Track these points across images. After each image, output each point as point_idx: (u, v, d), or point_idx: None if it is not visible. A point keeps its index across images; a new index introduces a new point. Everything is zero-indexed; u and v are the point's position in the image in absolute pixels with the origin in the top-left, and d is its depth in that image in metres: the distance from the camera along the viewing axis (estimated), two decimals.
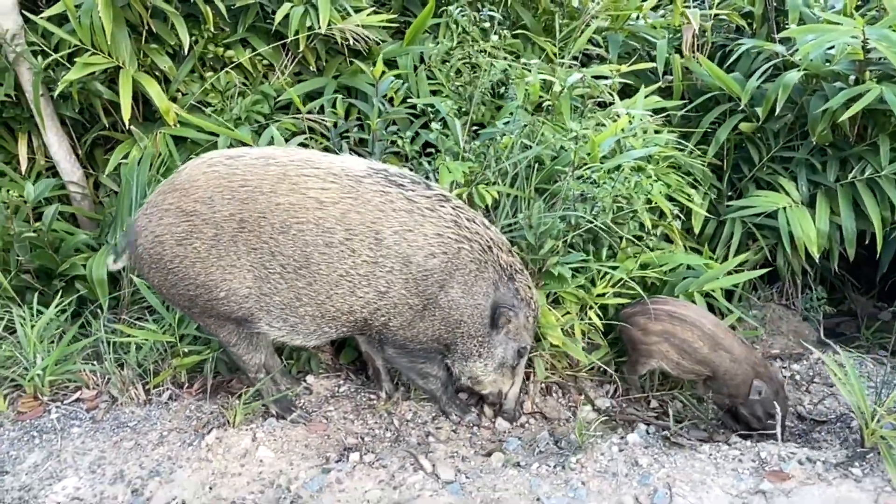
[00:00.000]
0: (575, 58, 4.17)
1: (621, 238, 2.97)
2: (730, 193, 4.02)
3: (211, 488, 2.37)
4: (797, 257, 3.81)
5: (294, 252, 2.35)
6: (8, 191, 3.59)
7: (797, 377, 3.56)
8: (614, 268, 2.92)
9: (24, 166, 3.98)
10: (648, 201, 3.33)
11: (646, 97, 3.80)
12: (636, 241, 3.08)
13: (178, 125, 3.68)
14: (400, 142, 2.94)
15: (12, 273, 3.40)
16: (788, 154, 3.89)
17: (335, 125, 3.51)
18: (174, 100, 3.84)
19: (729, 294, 3.88)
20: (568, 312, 2.90)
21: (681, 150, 3.83)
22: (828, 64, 3.72)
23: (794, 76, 3.61)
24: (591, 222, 2.73)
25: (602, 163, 3.19)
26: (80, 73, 3.43)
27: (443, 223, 2.42)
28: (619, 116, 3.37)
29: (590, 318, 2.92)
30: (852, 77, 3.60)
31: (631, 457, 2.39)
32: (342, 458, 2.50)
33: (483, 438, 2.72)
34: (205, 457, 2.48)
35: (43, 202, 3.68)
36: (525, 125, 2.94)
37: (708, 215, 3.91)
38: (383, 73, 3.28)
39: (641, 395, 3.12)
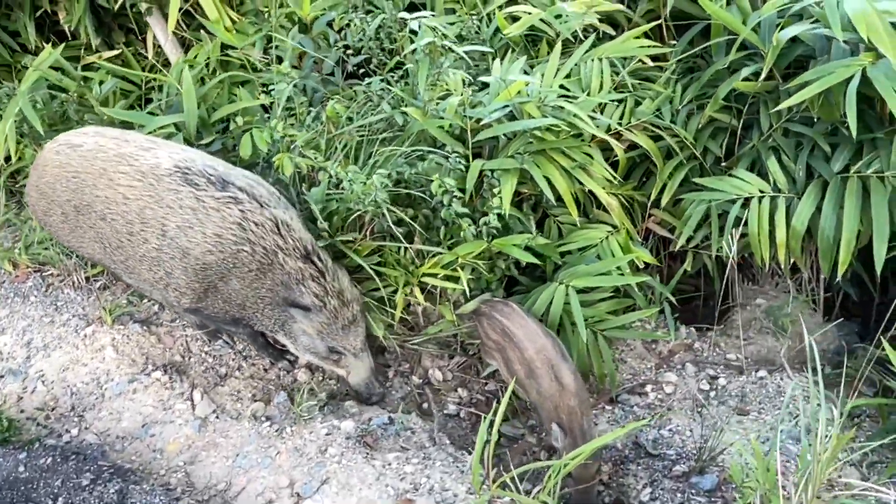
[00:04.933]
0: None
1: (450, 223, 2.82)
2: (724, 164, 3.35)
3: (64, 370, 3.09)
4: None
5: (112, 234, 2.79)
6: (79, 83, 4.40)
7: (710, 397, 3.10)
8: (428, 252, 2.84)
9: (150, 53, 4.81)
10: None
11: (627, 41, 3.27)
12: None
13: (233, 32, 4.09)
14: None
15: None
16: (802, 129, 3.09)
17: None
18: (241, 4, 4.29)
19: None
20: (389, 285, 2.93)
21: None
22: None
23: (794, 29, 2.80)
24: (360, 209, 2.67)
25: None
26: None
27: (225, 224, 2.63)
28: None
29: (413, 295, 2.92)
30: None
31: (327, 443, 2.53)
32: (151, 370, 3.02)
33: (280, 384, 3.01)
34: (77, 344, 3.18)
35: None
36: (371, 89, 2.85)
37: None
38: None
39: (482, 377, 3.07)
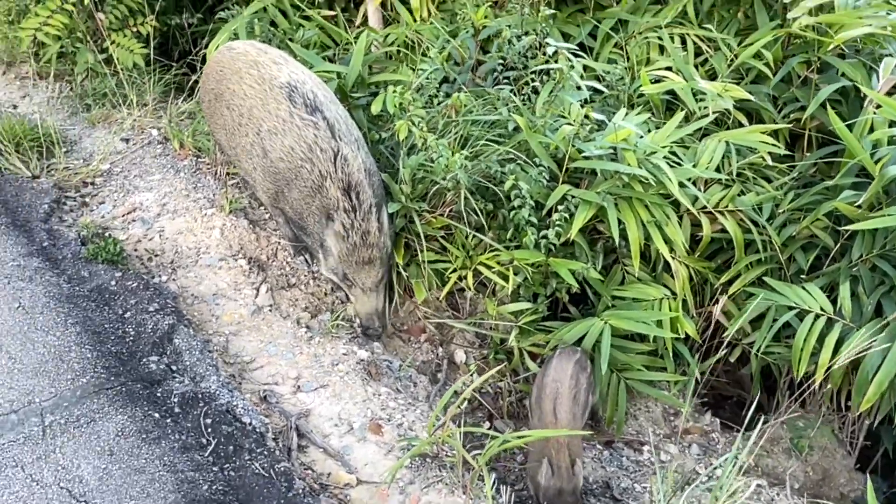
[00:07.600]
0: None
1: (519, 227, 3.11)
2: (804, 277, 3.39)
3: (178, 234, 3.68)
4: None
5: (231, 123, 3.35)
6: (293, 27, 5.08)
7: (702, 481, 3.15)
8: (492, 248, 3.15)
9: (358, 21, 5.48)
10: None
11: (751, 132, 3.42)
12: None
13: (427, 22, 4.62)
14: None
15: None
16: (888, 268, 3.09)
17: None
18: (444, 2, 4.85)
19: None
20: (449, 262, 3.27)
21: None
22: None
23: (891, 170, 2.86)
24: (438, 183, 3.02)
25: None
26: None
27: (301, 141, 3.08)
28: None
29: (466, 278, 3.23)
30: None
31: (341, 360, 2.91)
32: (239, 258, 3.54)
33: (331, 308, 3.43)
34: (197, 218, 3.77)
35: None
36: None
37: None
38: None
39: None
